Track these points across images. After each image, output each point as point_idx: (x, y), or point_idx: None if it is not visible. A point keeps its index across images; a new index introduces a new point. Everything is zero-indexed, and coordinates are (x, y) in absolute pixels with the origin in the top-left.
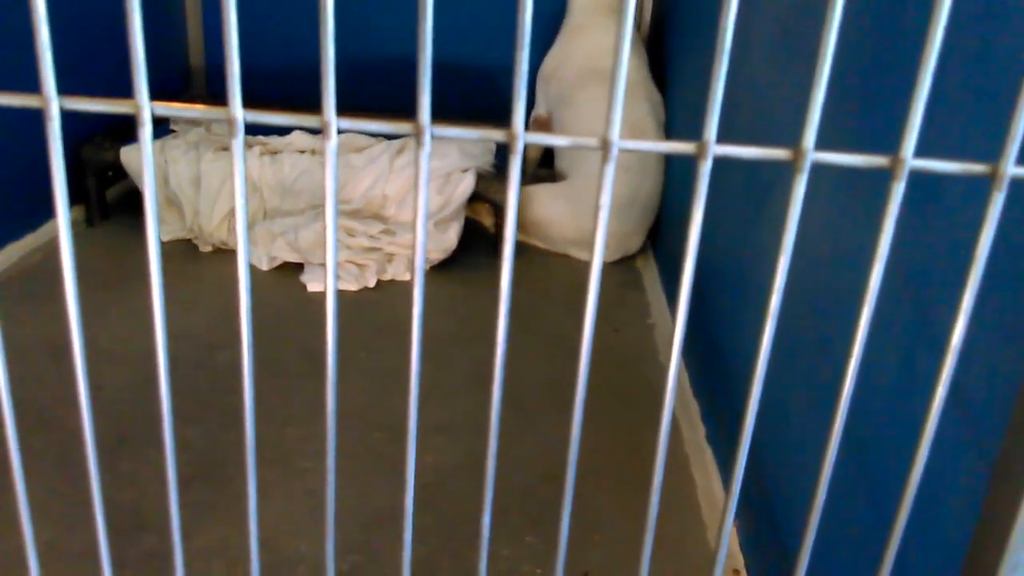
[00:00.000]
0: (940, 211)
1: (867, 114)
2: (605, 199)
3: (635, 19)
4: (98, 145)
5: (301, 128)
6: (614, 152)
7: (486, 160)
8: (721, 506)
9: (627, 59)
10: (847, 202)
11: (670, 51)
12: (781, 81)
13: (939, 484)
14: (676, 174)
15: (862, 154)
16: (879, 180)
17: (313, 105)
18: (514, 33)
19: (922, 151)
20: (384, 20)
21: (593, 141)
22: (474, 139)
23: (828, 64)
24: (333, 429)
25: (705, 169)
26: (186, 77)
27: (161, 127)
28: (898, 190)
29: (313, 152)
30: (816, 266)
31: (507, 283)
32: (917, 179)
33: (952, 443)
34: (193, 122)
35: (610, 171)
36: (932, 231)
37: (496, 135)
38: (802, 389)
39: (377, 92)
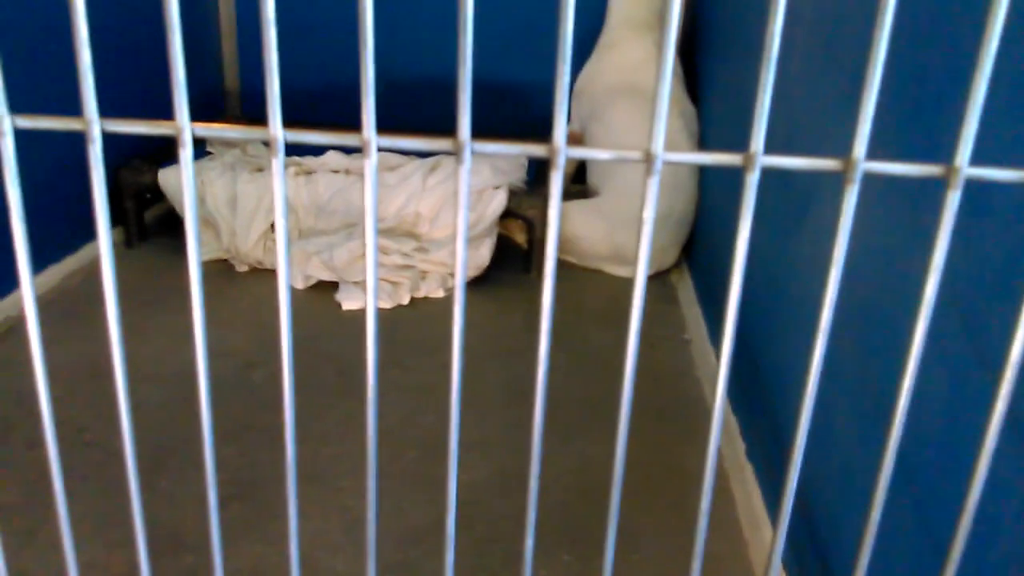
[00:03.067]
0: (990, 220)
1: (911, 122)
2: (649, 213)
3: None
4: (136, 168)
5: (341, 147)
6: (658, 165)
7: (518, 176)
8: (762, 522)
9: (664, 71)
10: (891, 211)
11: (702, 63)
12: (819, 89)
13: (992, 502)
14: (710, 188)
15: (914, 163)
16: (924, 188)
17: (345, 125)
18: (543, 50)
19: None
20: (414, 40)
21: (636, 154)
22: (512, 155)
23: (878, 73)
24: (374, 451)
25: (752, 180)
26: (221, 99)
27: (197, 149)
28: (954, 199)
29: (347, 172)
30: (857, 277)
31: (549, 302)
32: (965, 187)
33: (1006, 461)
34: (229, 144)
35: (654, 184)
36: (981, 241)
37: (537, 150)
38: (843, 403)
39: (408, 111)
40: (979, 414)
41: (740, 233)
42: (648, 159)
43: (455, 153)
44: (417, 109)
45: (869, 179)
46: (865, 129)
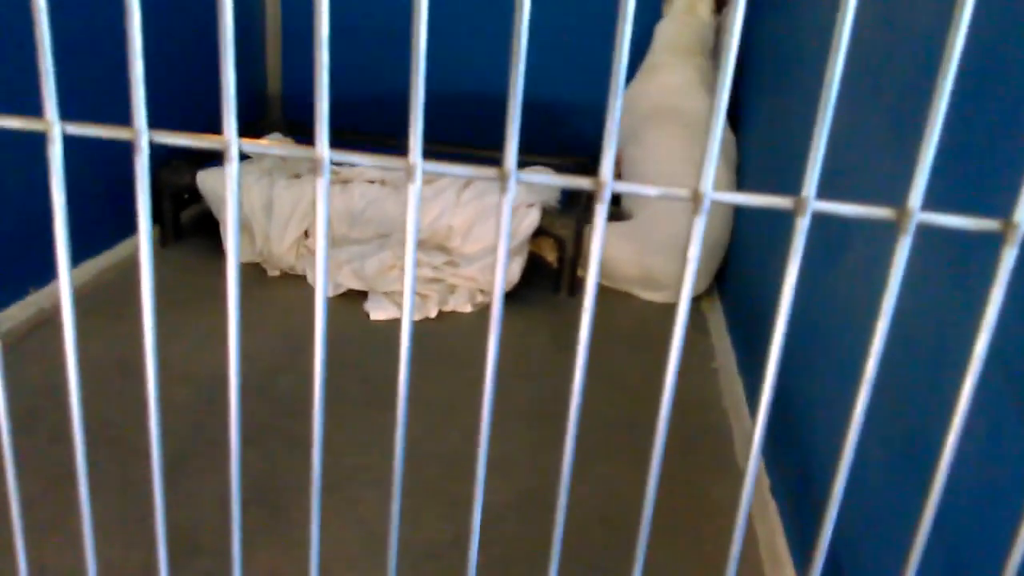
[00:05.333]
0: None
1: (962, 169)
2: (694, 251)
3: (711, 56)
4: (175, 169)
5: (385, 168)
6: (706, 205)
7: (551, 195)
8: (784, 561)
9: (718, 111)
10: (932, 257)
11: (744, 91)
12: (862, 127)
13: None
14: (745, 215)
15: (970, 216)
16: (969, 237)
17: (388, 133)
18: (579, 69)
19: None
20: (453, 52)
21: (684, 192)
22: (539, 167)
23: (939, 122)
24: (400, 468)
25: (803, 225)
26: (263, 103)
27: None
28: (1010, 256)
29: (383, 182)
30: (894, 322)
31: (586, 337)
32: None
33: None
34: None
35: (700, 223)
36: (1021, 292)
37: (583, 183)
38: (874, 448)
39: (445, 122)
40: (1020, 470)
41: (787, 278)
42: (696, 199)
43: (500, 181)
44: (453, 120)
45: (924, 228)
46: (922, 179)
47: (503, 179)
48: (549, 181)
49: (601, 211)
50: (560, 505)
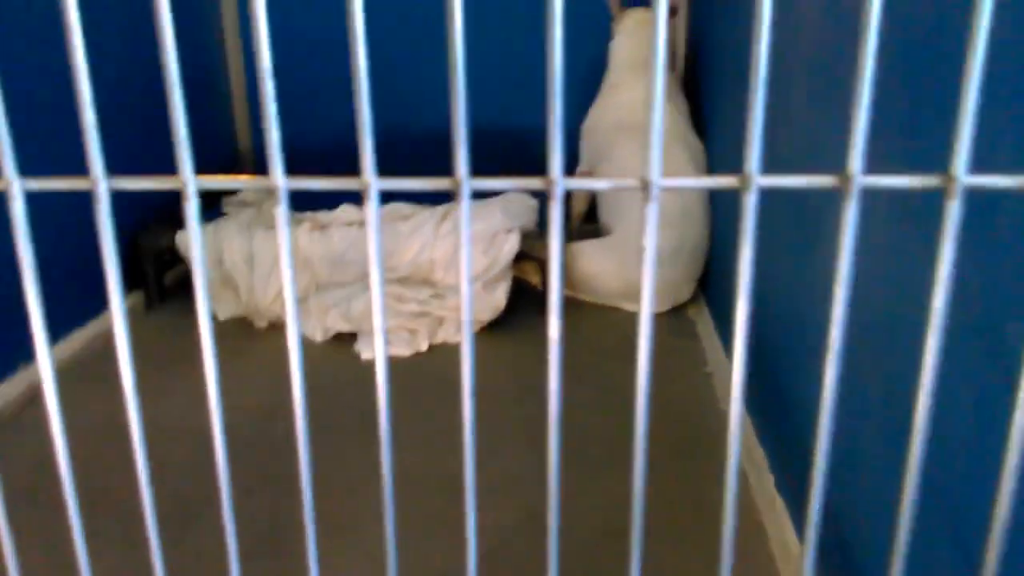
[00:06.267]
0: (1001, 227)
1: (916, 137)
2: (649, 240)
3: (670, 65)
4: (154, 232)
5: (342, 191)
6: (655, 192)
7: (530, 219)
8: (795, 556)
9: (661, 104)
10: (902, 226)
11: (706, 96)
12: (824, 112)
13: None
14: (722, 220)
15: (911, 175)
16: (935, 201)
17: (353, 172)
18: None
19: (974, 166)
20: (416, 94)
21: (633, 181)
22: (514, 192)
23: (868, 84)
24: (390, 496)
25: (750, 202)
26: (235, 160)
27: (213, 210)
28: (953, 210)
29: (361, 224)
30: (879, 298)
31: (556, 335)
32: (973, 197)
33: None
34: (244, 204)
35: (653, 211)
36: (995, 250)
37: (534, 183)
38: (871, 427)
39: (416, 163)
40: (1003, 423)
41: (742, 257)
42: (645, 187)
43: (453, 191)
44: (425, 159)
45: (877, 194)
46: (859, 143)
47: (456, 188)
48: (501, 185)
49: (555, 209)
50: (551, 524)
